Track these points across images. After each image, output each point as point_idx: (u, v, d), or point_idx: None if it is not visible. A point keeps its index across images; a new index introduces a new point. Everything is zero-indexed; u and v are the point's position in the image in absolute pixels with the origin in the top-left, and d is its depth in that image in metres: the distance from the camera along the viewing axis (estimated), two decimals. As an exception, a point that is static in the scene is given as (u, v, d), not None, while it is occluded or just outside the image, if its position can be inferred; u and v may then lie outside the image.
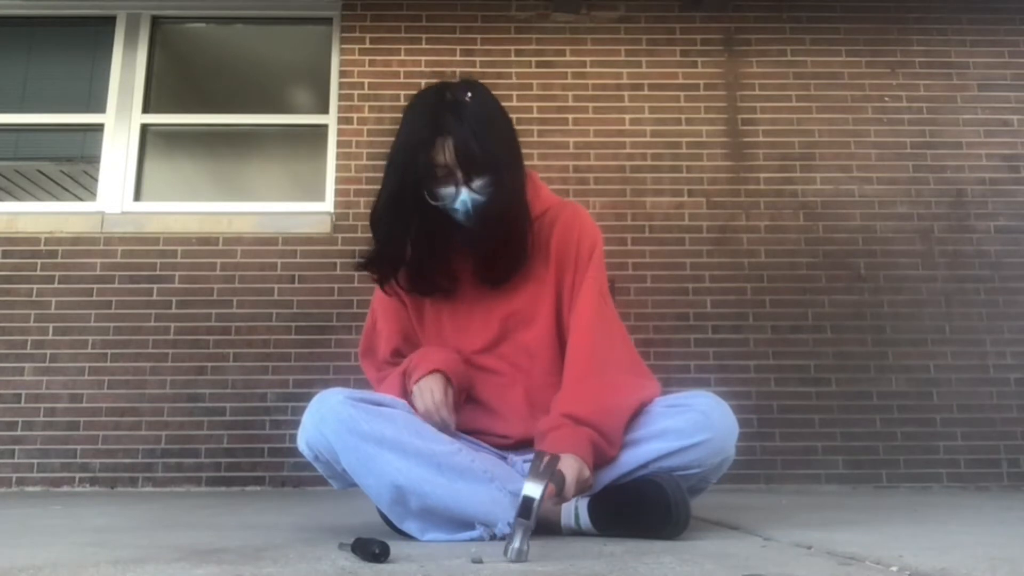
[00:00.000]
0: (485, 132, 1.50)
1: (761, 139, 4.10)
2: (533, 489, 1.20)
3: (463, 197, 1.51)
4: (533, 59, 4.15)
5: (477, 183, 1.51)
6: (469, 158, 1.48)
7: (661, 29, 4.22)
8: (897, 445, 3.74)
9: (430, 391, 1.51)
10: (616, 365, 1.55)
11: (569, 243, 1.62)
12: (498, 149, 1.52)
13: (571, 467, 1.35)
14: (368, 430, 1.40)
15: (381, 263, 1.63)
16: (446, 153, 1.48)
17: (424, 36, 4.17)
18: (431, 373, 1.54)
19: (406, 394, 1.56)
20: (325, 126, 4.13)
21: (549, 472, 1.24)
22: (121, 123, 4.11)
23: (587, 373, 1.52)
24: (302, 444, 1.47)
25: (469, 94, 1.51)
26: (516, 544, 1.13)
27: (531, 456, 1.53)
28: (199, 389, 3.73)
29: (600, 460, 1.44)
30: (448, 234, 1.58)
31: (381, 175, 1.61)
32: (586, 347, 1.55)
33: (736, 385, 3.68)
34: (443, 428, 1.50)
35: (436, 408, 1.50)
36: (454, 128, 1.48)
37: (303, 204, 4.04)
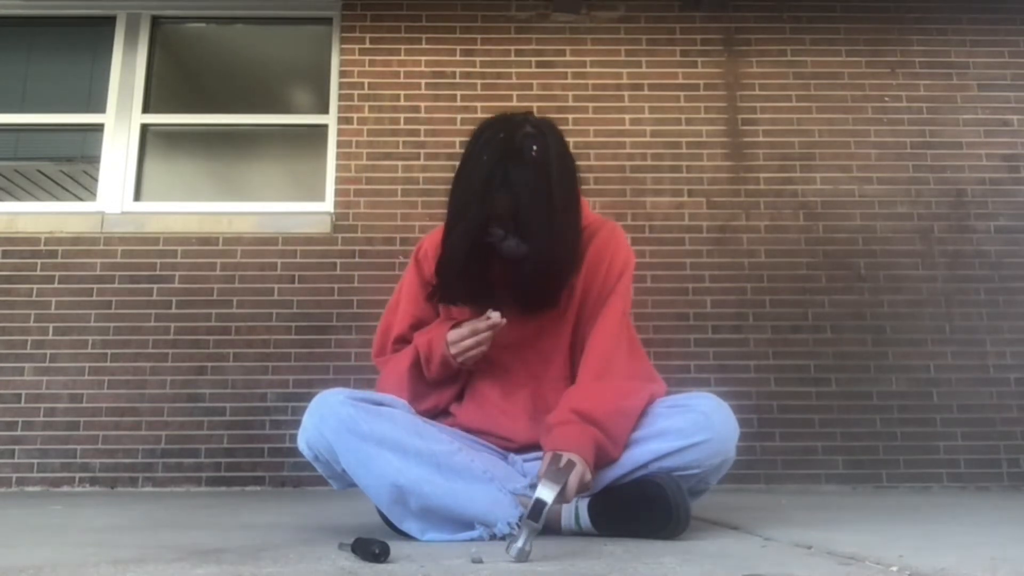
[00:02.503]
0: (545, 193, 1.51)
1: (761, 139, 4.09)
2: (547, 493, 1.19)
3: (510, 243, 1.54)
4: (533, 59, 4.15)
5: (528, 235, 1.52)
6: (524, 219, 1.50)
7: (661, 29, 4.22)
8: (897, 445, 3.74)
9: (460, 329, 1.55)
10: (630, 374, 1.56)
11: (601, 261, 1.64)
12: (556, 207, 1.53)
13: (575, 472, 1.34)
14: (368, 430, 1.40)
15: (448, 296, 1.65)
16: (503, 208, 1.50)
17: (424, 36, 4.17)
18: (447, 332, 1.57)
19: (426, 358, 1.60)
20: (325, 126, 4.13)
21: (564, 476, 1.23)
22: (121, 123, 4.11)
23: (601, 375, 1.53)
24: (302, 444, 1.47)
25: (535, 148, 1.51)
26: (520, 544, 1.13)
27: (532, 456, 1.54)
28: (199, 389, 3.73)
29: (603, 461, 1.44)
30: (492, 262, 1.60)
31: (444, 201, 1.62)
32: (604, 353, 1.56)
33: (736, 385, 3.68)
34: (494, 324, 1.52)
35: (478, 327, 1.52)
36: (514, 184, 1.48)
37: (303, 204, 4.04)
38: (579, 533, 1.48)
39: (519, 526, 1.40)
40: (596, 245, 1.65)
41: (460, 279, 1.60)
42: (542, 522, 1.18)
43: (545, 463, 1.35)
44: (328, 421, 1.42)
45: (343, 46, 4.18)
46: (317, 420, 1.44)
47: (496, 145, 1.52)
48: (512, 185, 1.49)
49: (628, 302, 1.66)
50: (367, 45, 4.17)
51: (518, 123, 1.55)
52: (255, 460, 3.65)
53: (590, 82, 4.14)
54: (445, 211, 1.61)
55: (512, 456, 1.58)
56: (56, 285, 3.82)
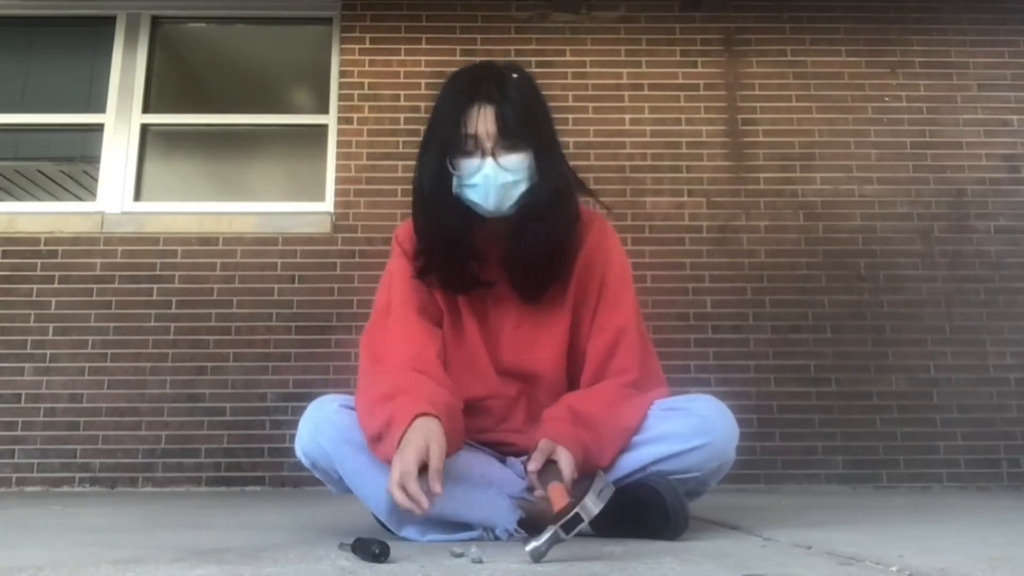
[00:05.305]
0: (527, 109, 1.42)
1: (761, 139, 4.09)
2: (588, 511, 1.15)
3: (485, 170, 1.40)
4: (533, 59, 4.15)
5: (506, 159, 1.40)
6: (507, 129, 1.39)
7: (661, 29, 4.22)
8: (897, 445, 3.74)
9: (396, 462, 1.20)
10: (641, 384, 1.50)
11: (597, 260, 1.55)
12: (539, 128, 1.44)
13: (568, 463, 1.31)
14: (363, 439, 1.36)
15: (432, 257, 1.49)
16: (481, 122, 1.39)
17: (424, 36, 4.17)
18: (422, 416, 1.25)
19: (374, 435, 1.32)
20: (325, 126, 4.13)
21: (606, 497, 1.18)
22: (121, 123, 4.11)
23: (608, 390, 1.48)
24: (299, 452, 1.45)
25: (515, 75, 1.45)
26: (539, 544, 1.11)
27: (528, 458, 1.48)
28: (199, 389, 3.73)
29: (588, 467, 1.36)
30: (478, 234, 1.47)
31: (411, 162, 1.50)
32: (623, 383, 1.48)
33: (736, 385, 3.68)
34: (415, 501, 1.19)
35: (412, 477, 1.19)
36: (495, 98, 1.39)
37: (303, 204, 4.04)
38: (576, 534, 1.47)
39: (518, 531, 1.39)
40: (592, 239, 1.55)
41: (440, 240, 1.45)
42: (571, 535, 1.14)
43: (567, 471, 1.29)
44: (323, 429, 1.39)
45: (343, 46, 4.18)
46: (312, 429, 1.41)
47: (470, 72, 1.45)
48: (494, 99, 1.39)
49: (636, 301, 1.59)
50: (367, 45, 4.17)
51: (490, 61, 1.51)
52: (255, 460, 3.65)
53: (590, 82, 4.14)
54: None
55: (510, 459, 1.53)
56: (56, 285, 3.82)
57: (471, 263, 1.49)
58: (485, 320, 1.55)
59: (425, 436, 1.22)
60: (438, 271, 1.51)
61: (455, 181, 1.43)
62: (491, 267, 1.51)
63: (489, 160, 1.40)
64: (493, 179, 1.41)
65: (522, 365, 1.54)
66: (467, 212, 1.45)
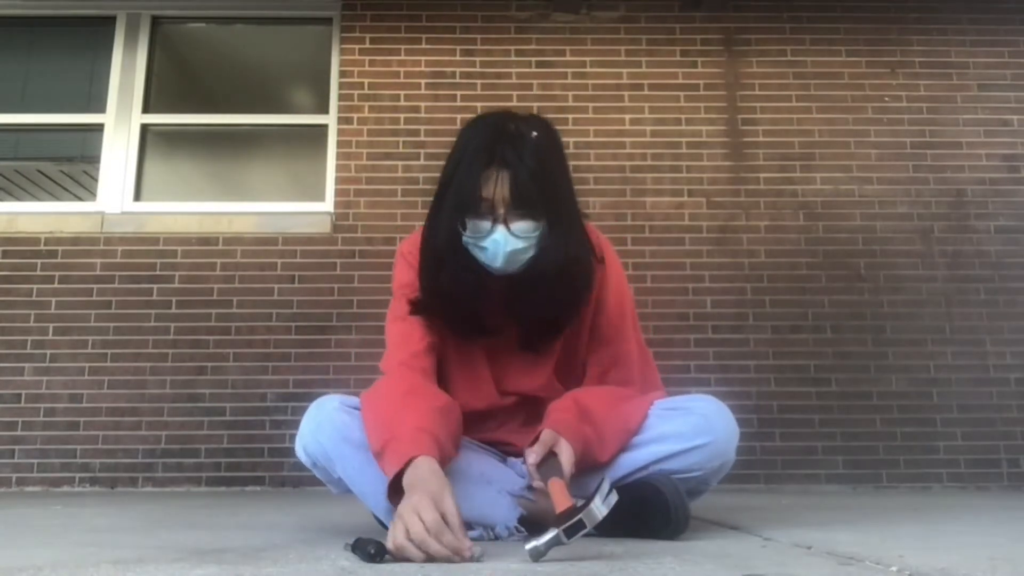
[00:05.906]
0: (544, 176, 1.38)
1: (761, 139, 4.10)
2: (593, 517, 1.15)
3: (496, 236, 1.40)
4: (533, 59, 4.15)
5: (518, 226, 1.40)
6: (522, 198, 1.37)
7: (661, 29, 4.22)
8: (897, 445, 3.74)
9: (420, 509, 1.12)
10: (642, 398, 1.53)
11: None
12: (555, 195, 1.42)
13: (568, 457, 1.33)
14: (363, 438, 1.37)
15: (435, 305, 1.50)
16: (497, 187, 1.37)
17: (424, 36, 4.17)
18: (420, 457, 1.21)
19: (376, 451, 1.31)
20: (325, 126, 4.13)
21: (611, 505, 1.18)
22: (121, 123, 4.11)
23: (612, 392, 1.51)
24: (299, 451, 1.46)
25: (535, 133, 1.41)
26: (541, 545, 1.11)
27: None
28: (199, 389, 3.73)
29: (587, 462, 1.39)
30: (486, 285, 1.47)
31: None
32: (626, 394, 1.52)
33: (736, 385, 3.68)
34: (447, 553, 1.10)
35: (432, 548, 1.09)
36: (512, 162, 1.37)
37: (303, 204, 4.05)
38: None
39: (518, 528, 1.40)
40: None
41: (446, 284, 1.47)
42: (573, 540, 1.14)
43: (566, 464, 1.31)
44: (324, 428, 1.41)
45: (343, 46, 4.18)
46: (313, 427, 1.42)
47: (488, 128, 1.42)
48: (510, 164, 1.36)
49: (635, 313, 1.63)
50: (367, 45, 4.17)
51: (510, 113, 1.48)
52: (255, 460, 3.65)
53: (590, 82, 4.14)
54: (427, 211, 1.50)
55: (510, 460, 1.55)
56: (56, 285, 3.82)
57: (477, 314, 1.51)
58: (494, 346, 1.57)
59: (437, 486, 1.18)
60: (445, 319, 1.52)
61: (465, 237, 1.44)
62: (497, 313, 1.52)
63: (500, 227, 1.40)
64: (503, 245, 1.41)
65: (521, 388, 1.57)
66: (476, 266, 1.46)
